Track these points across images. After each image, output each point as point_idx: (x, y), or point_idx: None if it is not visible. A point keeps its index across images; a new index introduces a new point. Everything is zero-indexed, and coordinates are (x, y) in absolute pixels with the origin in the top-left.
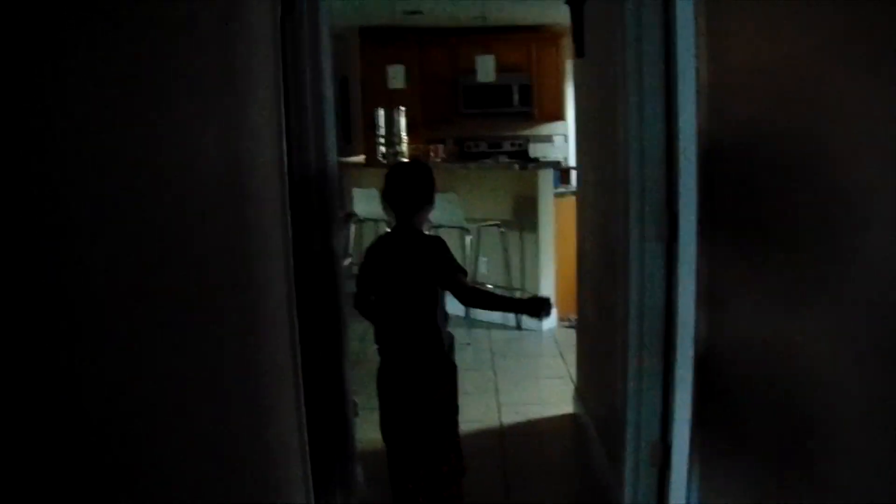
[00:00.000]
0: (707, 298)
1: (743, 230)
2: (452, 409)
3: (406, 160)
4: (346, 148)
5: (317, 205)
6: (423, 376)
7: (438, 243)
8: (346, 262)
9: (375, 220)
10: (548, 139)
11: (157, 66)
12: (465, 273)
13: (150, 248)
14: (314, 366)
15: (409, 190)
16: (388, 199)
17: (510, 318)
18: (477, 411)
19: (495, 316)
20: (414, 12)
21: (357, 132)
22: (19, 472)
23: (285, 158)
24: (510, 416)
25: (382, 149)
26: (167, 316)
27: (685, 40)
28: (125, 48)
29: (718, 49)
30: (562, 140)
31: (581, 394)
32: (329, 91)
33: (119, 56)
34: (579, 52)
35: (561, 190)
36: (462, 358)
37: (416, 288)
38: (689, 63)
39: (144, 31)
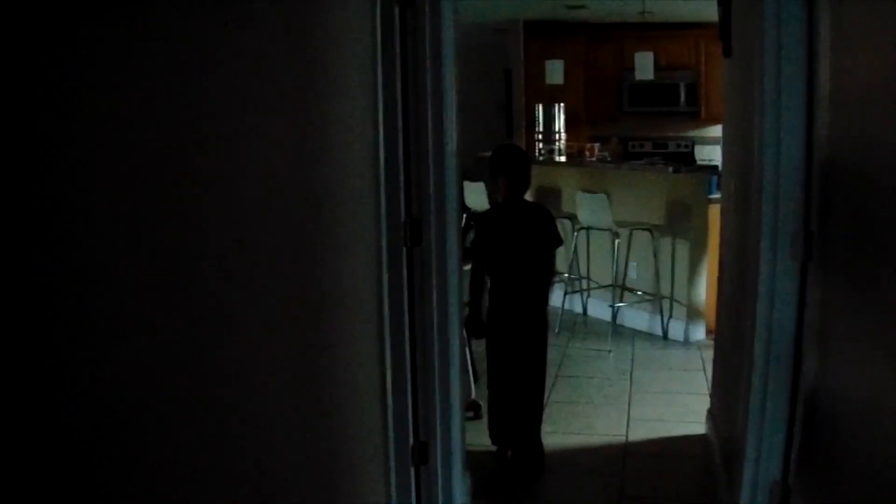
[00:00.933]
0: (817, 331)
1: (858, 260)
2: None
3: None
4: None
5: (431, 205)
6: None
7: (548, 213)
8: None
9: None
10: (715, 141)
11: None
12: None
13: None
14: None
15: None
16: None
17: (657, 326)
18: (604, 424)
19: (641, 323)
20: (578, 6)
21: (518, 127)
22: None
23: (381, 153)
24: (638, 432)
25: (540, 145)
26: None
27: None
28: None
29: (842, 51)
30: None
31: (713, 414)
32: (450, 86)
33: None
34: (727, 52)
35: (717, 196)
36: (601, 367)
37: (532, 249)
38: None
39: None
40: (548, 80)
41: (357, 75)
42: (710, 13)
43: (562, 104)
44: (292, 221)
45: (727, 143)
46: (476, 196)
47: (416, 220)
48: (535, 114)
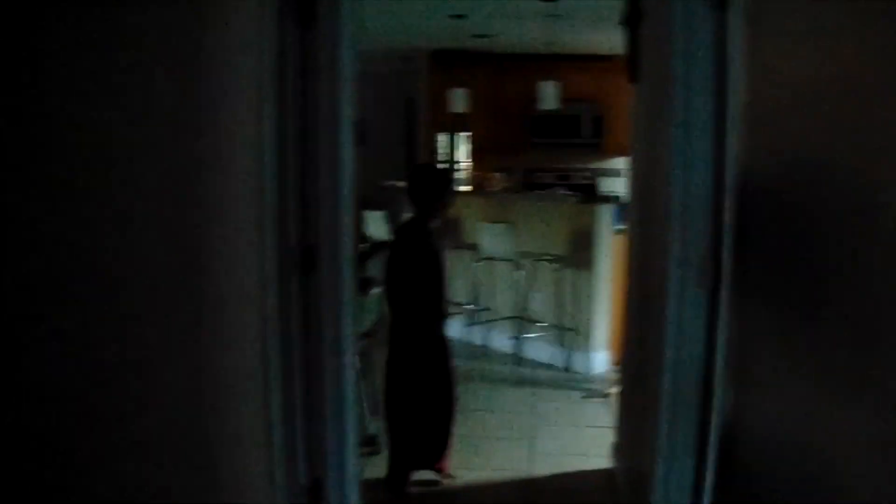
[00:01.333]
0: (736, 361)
1: (779, 288)
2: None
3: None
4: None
5: (326, 231)
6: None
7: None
8: (376, 290)
9: None
10: (618, 174)
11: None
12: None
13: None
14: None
15: (425, 188)
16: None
17: (560, 358)
18: (507, 459)
19: (544, 355)
20: (483, 35)
21: (421, 156)
22: None
23: (271, 178)
24: (543, 468)
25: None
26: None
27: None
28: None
29: (759, 66)
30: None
31: (619, 448)
32: (348, 109)
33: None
34: (634, 77)
35: (621, 227)
36: (503, 400)
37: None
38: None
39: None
40: (452, 109)
41: (253, 94)
42: (616, 46)
43: (467, 134)
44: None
45: (634, 171)
46: (377, 225)
47: (311, 247)
48: (438, 143)
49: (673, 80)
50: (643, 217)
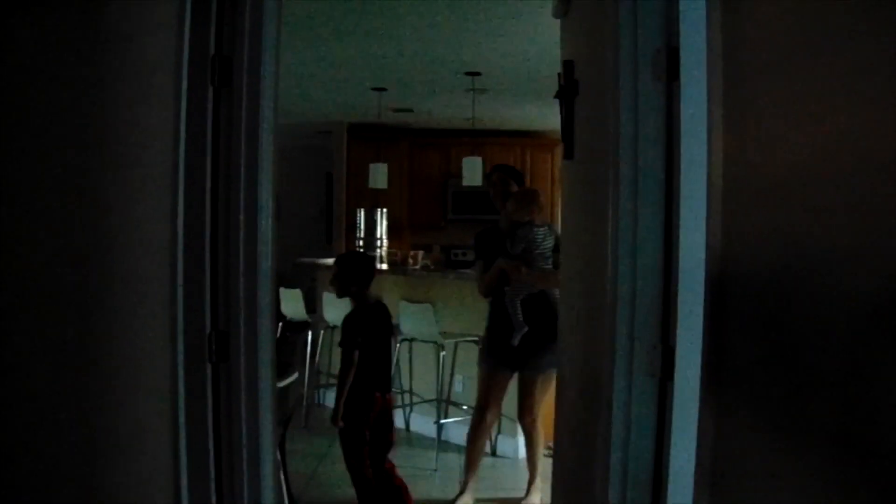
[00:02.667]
0: (708, 469)
1: (761, 388)
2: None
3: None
4: (326, 248)
5: (241, 315)
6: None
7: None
8: (293, 377)
9: None
10: None
11: None
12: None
13: None
14: None
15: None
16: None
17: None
18: None
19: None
20: (403, 110)
21: (339, 232)
22: None
23: (180, 256)
24: None
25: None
26: None
27: (694, 136)
28: None
29: (737, 143)
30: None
31: None
32: (267, 178)
33: None
34: (568, 153)
35: None
36: (426, 487)
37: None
38: (698, 162)
39: None
40: (371, 184)
41: (159, 159)
42: (538, 122)
43: (385, 209)
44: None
45: (567, 250)
46: (292, 304)
47: (224, 333)
48: (356, 219)
49: (618, 156)
50: (581, 297)
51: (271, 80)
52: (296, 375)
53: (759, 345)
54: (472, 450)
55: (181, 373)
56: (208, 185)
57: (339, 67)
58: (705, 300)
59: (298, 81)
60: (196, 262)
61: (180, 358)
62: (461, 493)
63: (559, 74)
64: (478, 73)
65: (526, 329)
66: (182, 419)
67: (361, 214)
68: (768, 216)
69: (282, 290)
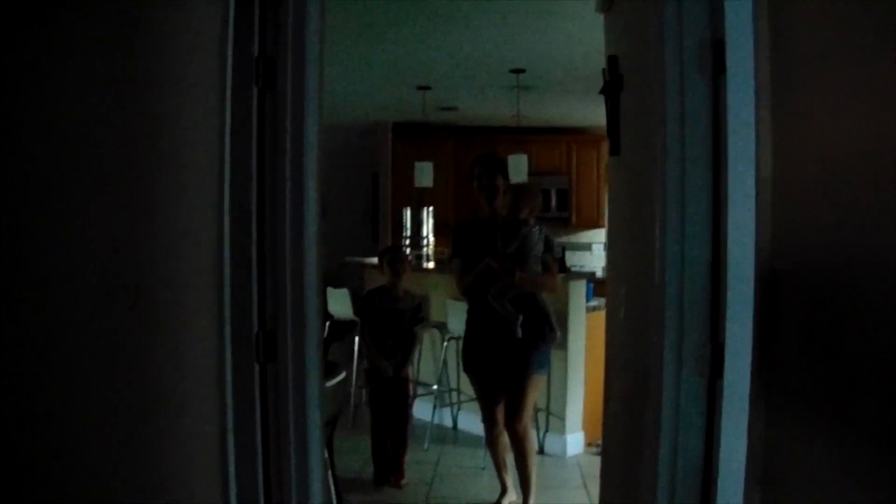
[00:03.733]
0: (759, 469)
1: (814, 387)
2: None
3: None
4: (373, 248)
5: (288, 315)
6: None
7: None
8: (340, 376)
9: None
10: (586, 247)
11: None
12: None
13: None
14: None
15: None
16: None
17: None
18: None
19: None
20: (449, 108)
21: (385, 231)
22: None
23: (227, 255)
24: None
25: (407, 251)
26: None
27: (741, 129)
28: None
29: (787, 136)
30: (600, 249)
31: None
32: (312, 177)
33: None
34: (614, 149)
35: (594, 303)
36: (474, 486)
37: None
38: (745, 156)
39: None
40: (417, 183)
41: (205, 160)
42: (583, 118)
43: (431, 208)
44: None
45: (614, 247)
46: (339, 303)
47: (271, 332)
48: (402, 218)
49: (665, 151)
50: (629, 295)
51: (315, 81)
52: (343, 375)
53: (813, 342)
54: (495, 457)
55: (229, 374)
56: (254, 186)
57: (383, 67)
58: (755, 296)
59: (343, 82)
60: (243, 262)
61: (228, 357)
62: (503, 492)
63: (604, 70)
64: (522, 71)
65: (521, 318)
66: (230, 420)
67: (408, 213)
68: (820, 210)
69: (328, 289)
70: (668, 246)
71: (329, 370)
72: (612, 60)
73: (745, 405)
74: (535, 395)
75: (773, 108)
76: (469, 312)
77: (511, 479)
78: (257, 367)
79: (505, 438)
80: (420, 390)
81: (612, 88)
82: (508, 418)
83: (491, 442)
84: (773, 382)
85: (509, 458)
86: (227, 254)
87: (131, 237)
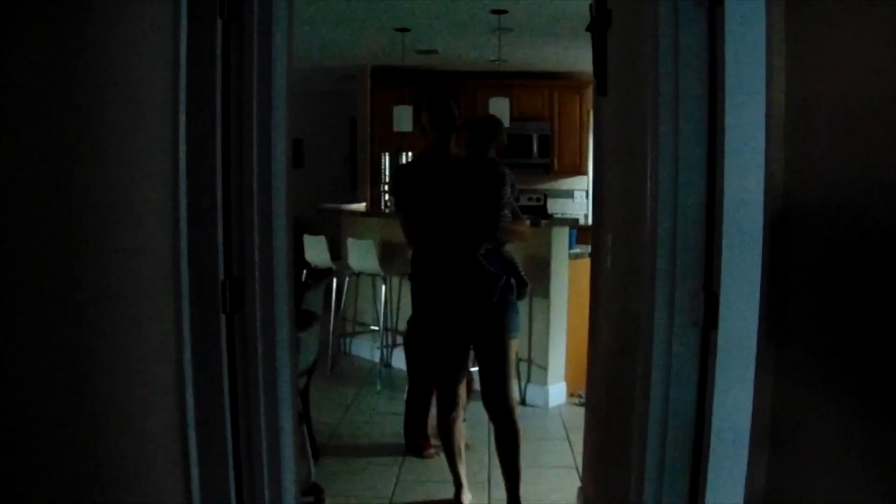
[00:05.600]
0: (767, 428)
1: (830, 340)
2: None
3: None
4: (351, 194)
5: (255, 262)
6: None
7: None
8: (315, 326)
9: (371, 275)
10: (568, 194)
11: None
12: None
13: None
14: None
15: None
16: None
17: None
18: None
19: None
20: (428, 51)
21: (364, 178)
22: None
23: (182, 198)
24: None
25: (386, 196)
26: None
27: (744, 60)
28: None
29: (803, 66)
30: (582, 196)
31: (586, 493)
32: (280, 118)
33: None
34: (601, 89)
35: (577, 251)
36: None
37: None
38: (750, 89)
39: None
40: (395, 128)
41: (159, 96)
42: (566, 63)
43: (410, 154)
44: None
45: (600, 192)
46: (316, 250)
47: (238, 280)
48: (381, 164)
49: (658, 87)
50: (616, 241)
51: (284, 12)
52: (317, 325)
53: (829, 291)
54: (450, 447)
55: (186, 326)
56: (219, 125)
57: (360, 7)
58: (764, 240)
59: (320, 24)
60: (208, 208)
61: (185, 305)
62: (459, 489)
63: (591, 5)
64: (504, 11)
65: (504, 279)
66: (189, 375)
67: (386, 159)
68: (842, 147)
69: (305, 236)
70: (660, 189)
71: (304, 320)
72: None
73: (742, 359)
74: (513, 360)
75: (788, 36)
76: (420, 272)
77: (464, 470)
78: (223, 318)
79: (457, 430)
80: (399, 339)
81: (600, 25)
82: (490, 394)
83: (446, 428)
84: (784, 336)
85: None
86: (182, 198)
87: (78, 173)
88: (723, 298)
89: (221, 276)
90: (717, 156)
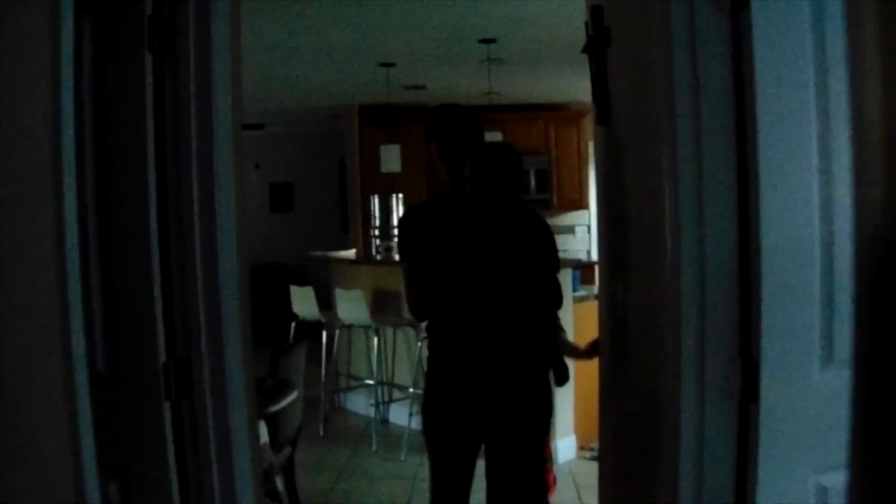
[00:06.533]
0: None
1: None
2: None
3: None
4: (342, 239)
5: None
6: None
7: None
8: (291, 396)
9: (363, 327)
10: (569, 230)
11: None
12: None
13: None
14: None
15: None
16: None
17: None
18: None
19: None
20: (416, 87)
21: (356, 221)
22: None
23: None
24: None
25: (377, 241)
26: None
27: (788, 76)
28: None
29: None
30: (584, 231)
31: None
32: (227, 166)
33: None
34: (603, 118)
35: (582, 293)
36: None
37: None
38: (795, 108)
39: None
40: (383, 168)
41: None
42: (561, 93)
43: (401, 195)
44: None
45: (605, 230)
46: (305, 303)
47: (184, 361)
48: (370, 206)
49: (674, 112)
50: (630, 290)
51: (224, 42)
52: (295, 395)
53: None
54: None
55: (82, 423)
56: (151, 176)
57: (341, 44)
58: (857, 287)
59: (302, 65)
60: (143, 279)
61: (81, 404)
62: None
63: (586, 24)
64: (493, 41)
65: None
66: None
67: (375, 202)
68: None
69: (292, 288)
70: (682, 232)
71: (278, 390)
72: (595, 11)
73: (792, 440)
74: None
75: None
76: (433, 345)
77: None
78: (168, 405)
79: None
80: (396, 393)
81: (598, 44)
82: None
83: None
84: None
85: None
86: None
87: None
88: (764, 366)
89: (163, 358)
90: (750, 191)
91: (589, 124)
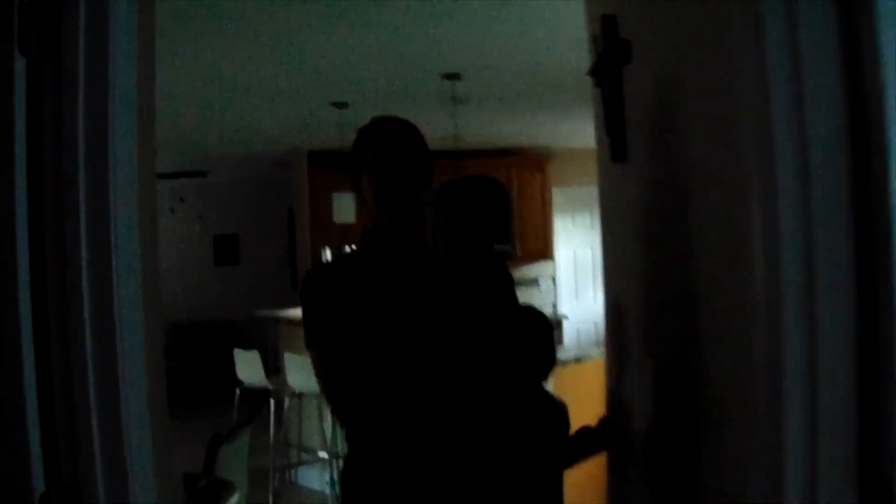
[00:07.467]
0: None
1: None
2: None
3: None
4: (292, 296)
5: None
6: None
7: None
8: (233, 499)
9: (317, 396)
10: (534, 283)
11: None
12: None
13: None
14: None
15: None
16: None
17: None
18: None
19: None
20: None
21: (300, 275)
22: None
23: None
24: None
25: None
26: None
27: None
28: None
29: None
30: (549, 283)
31: None
32: (129, 228)
33: None
34: (618, 154)
35: (571, 356)
36: None
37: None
38: None
39: None
40: (336, 218)
41: None
42: (526, 137)
43: (354, 247)
44: None
45: (615, 281)
46: (250, 368)
47: (70, 490)
48: (321, 260)
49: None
50: (652, 354)
51: (127, 43)
52: (237, 497)
53: None
54: None
55: None
56: (22, 242)
57: (290, 81)
58: None
59: (247, 104)
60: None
61: None
62: None
63: (595, 38)
64: (457, 76)
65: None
66: None
67: (327, 254)
68: None
69: (236, 351)
70: (786, 302)
71: (214, 496)
72: (608, 22)
73: None
74: None
75: None
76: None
77: None
78: None
79: None
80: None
81: (612, 61)
82: None
83: None
84: None
85: None
86: None
87: None
88: None
89: (41, 488)
90: (878, 253)
91: (550, 170)
